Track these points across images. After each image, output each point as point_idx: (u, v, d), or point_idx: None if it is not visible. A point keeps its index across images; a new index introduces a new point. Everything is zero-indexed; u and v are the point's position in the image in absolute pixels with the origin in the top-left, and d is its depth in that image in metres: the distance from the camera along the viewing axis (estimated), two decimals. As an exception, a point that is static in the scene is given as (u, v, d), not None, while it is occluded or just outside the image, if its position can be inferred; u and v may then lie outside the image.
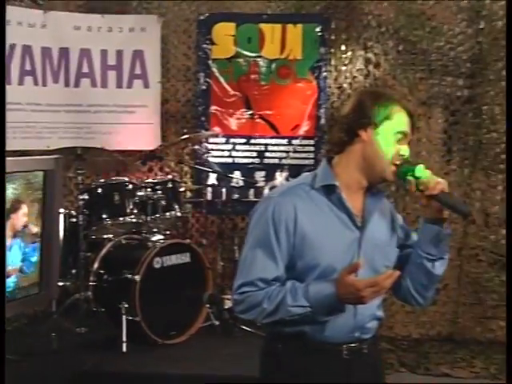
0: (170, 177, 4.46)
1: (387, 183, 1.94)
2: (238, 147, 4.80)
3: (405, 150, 1.82)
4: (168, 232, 4.38)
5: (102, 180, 4.24)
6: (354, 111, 1.84)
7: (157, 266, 3.94)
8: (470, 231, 4.63)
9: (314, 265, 1.79)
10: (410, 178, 1.79)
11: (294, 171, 4.73)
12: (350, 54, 4.68)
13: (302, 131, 4.74)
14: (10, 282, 3.24)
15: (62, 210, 4.05)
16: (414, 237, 1.95)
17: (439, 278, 1.92)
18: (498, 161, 4.62)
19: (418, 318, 4.67)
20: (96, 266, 4.00)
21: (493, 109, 4.60)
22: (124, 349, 3.70)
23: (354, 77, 4.67)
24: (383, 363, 2.21)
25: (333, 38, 4.69)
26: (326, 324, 1.81)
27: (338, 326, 1.82)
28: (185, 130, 4.80)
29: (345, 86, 4.70)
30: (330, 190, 1.83)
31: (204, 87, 4.78)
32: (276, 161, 4.78)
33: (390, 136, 1.81)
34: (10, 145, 3.78)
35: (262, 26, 4.72)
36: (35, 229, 3.41)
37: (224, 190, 4.57)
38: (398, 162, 1.81)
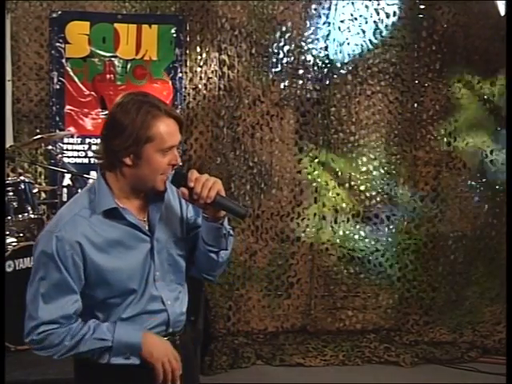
0: (22, 178, 4.34)
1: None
2: (94, 147, 4.74)
3: (175, 159, 1.82)
4: (21, 234, 4.27)
5: None
6: (113, 138, 1.77)
7: (9, 269, 3.82)
8: (320, 227, 4.85)
9: (110, 291, 1.82)
10: (182, 189, 1.82)
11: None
12: (204, 55, 4.76)
13: (158, 131, 4.77)
14: None
15: None
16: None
17: (226, 262, 2.00)
18: (345, 160, 4.88)
19: (273, 311, 4.83)
20: None
21: (339, 110, 4.85)
22: (-27, 358, 3.56)
23: (209, 78, 4.76)
24: (195, 347, 2.28)
25: (188, 39, 4.76)
26: (139, 330, 1.85)
27: (151, 328, 1.89)
28: (38, 130, 4.70)
29: (200, 86, 4.78)
30: (112, 212, 1.81)
31: (58, 86, 4.69)
32: (132, 161, 4.78)
33: (154, 156, 1.78)
34: None
35: (117, 25, 4.70)
36: None
37: (80, 190, 4.50)
38: (170, 172, 1.83)
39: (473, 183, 4.99)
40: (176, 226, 1.95)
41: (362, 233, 4.93)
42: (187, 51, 4.76)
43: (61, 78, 4.70)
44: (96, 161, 1.90)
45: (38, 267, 1.80)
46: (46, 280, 1.78)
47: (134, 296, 1.85)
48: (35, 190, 4.28)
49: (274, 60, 4.80)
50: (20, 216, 4.13)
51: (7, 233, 4.06)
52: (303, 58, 4.83)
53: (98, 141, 1.89)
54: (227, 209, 1.84)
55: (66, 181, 4.66)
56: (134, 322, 1.86)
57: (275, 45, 4.78)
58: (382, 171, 4.94)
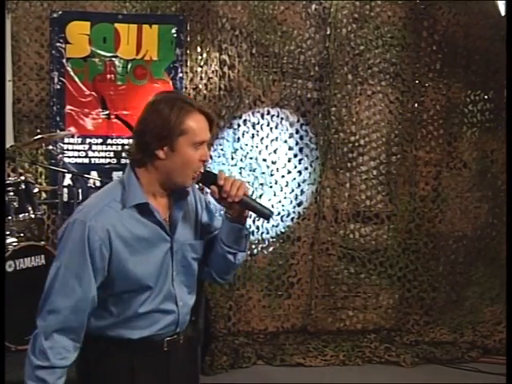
0: (22, 178, 4.34)
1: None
2: (94, 147, 4.75)
3: (205, 155, 1.86)
4: (22, 234, 4.27)
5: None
6: (147, 131, 1.81)
7: (9, 269, 3.83)
8: (320, 227, 4.85)
9: (127, 285, 1.84)
10: (212, 186, 1.87)
11: (151, 171, 4.77)
12: (205, 55, 4.76)
13: (158, 131, 4.77)
14: None
15: None
16: (218, 221, 2.04)
17: (240, 264, 2.06)
18: (345, 159, 4.89)
19: (273, 311, 4.83)
20: None
21: (340, 110, 4.85)
22: (-27, 357, 3.56)
23: (210, 78, 4.75)
24: (195, 346, 2.29)
25: (188, 39, 4.76)
26: (150, 328, 1.89)
27: (163, 327, 1.91)
28: (38, 130, 4.71)
29: (200, 86, 4.77)
30: (142, 207, 1.84)
31: (58, 86, 4.69)
32: (133, 161, 4.78)
33: (186, 149, 1.82)
34: None
35: (118, 25, 4.70)
36: None
37: (80, 190, 4.52)
38: (200, 170, 1.86)
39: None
40: (192, 229, 1.98)
41: (362, 233, 4.93)
42: (188, 51, 4.76)
43: (61, 78, 4.69)
44: (128, 159, 1.94)
45: (64, 254, 1.79)
46: (69, 267, 1.78)
47: (150, 293, 1.87)
48: (36, 190, 4.28)
49: (274, 60, 4.80)
50: (20, 216, 4.13)
51: (8, 233, 4.06)
52: (303, 57, 4.83)
53: (130, 141, 1.93)
54: (253, 209, 1.91)
55: (67, 181, 4.66)
56: (147, 319, 1.88)
57: (275, 45, 4.78)
58: (382, 171, 4.95)
